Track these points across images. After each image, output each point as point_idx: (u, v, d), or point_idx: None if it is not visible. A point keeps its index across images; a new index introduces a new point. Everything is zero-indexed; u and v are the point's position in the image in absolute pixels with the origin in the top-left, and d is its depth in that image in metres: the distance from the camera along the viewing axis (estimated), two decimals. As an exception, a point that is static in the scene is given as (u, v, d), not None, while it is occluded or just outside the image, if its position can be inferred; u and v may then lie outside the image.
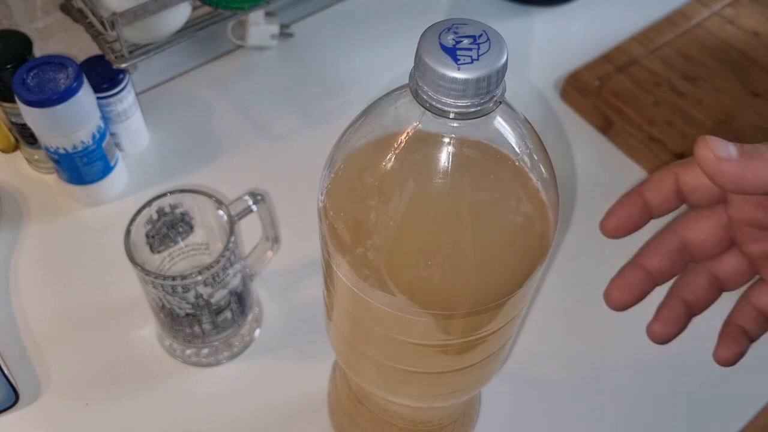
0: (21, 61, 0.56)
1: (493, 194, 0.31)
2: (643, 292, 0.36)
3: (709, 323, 0.56)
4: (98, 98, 0.58)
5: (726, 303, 0.38)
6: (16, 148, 0.65)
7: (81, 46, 0.68)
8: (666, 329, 0.37)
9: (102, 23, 0.56)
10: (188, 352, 0.53)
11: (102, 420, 0.51)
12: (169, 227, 0.51)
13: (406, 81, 0.29)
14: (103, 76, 0.59)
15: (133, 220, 0.47)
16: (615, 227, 0.35)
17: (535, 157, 0.32)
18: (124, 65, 0.59)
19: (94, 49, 0.61)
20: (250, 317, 0.54)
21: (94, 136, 0.57)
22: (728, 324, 0.37)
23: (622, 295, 0.36)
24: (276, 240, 0.55)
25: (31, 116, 0.54)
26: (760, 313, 0.36)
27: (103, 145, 0.58)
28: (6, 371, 0.51)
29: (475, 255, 0.30)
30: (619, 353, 0.55)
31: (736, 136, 0.64)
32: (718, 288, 0.37)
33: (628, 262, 0.37)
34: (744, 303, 0.37)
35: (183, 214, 0.51)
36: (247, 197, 0.51)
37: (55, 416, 0.51)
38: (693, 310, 0.37)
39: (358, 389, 0.46)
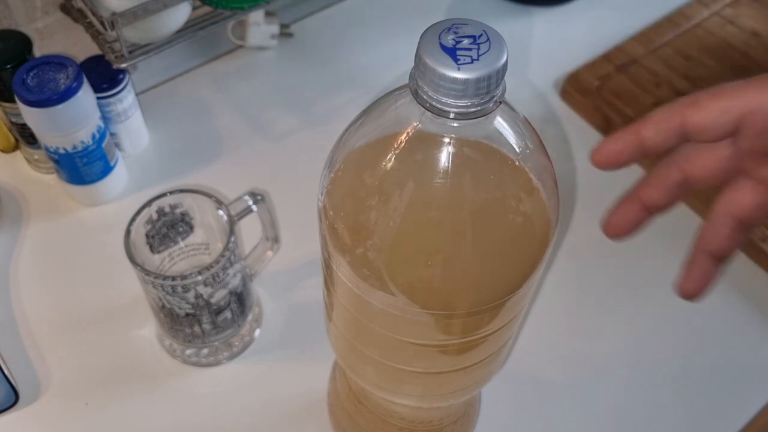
0: (21, 61, 0.56)
1: (493, 194, 0.31)
2: (640, 224, 0.37)
3: (709, 323, 0.57)
4: (98, 98, 0.58)
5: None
6: (16, 148, 0.65)
7: (81, 46, 0.67)
8: (695, 285, 0.36)
9: (102, 23, 0.56)
10: (188, 352, 0.53)
11: (102, 420, 0.51)
12: (169, 227, 0.51)
13: (406, 81, 0.29)
14: (103, 76, 0.59)
15: (133, 220, 0.47)
16: (605, 162, 0.35)
17: (535, 157, 0.32)
18: (124, 65, 0.59)
19: (94, 49, 0.61)
20: (250, 317, 0.54)
21: (94, 136, 0.57)
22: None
23: (619, 225, 0.37)
24: (276, 240, 0.55)
25: (31, 116, 0.54)
26: (737, 221, 0.34)
27: (103, 145, 0.58)
28: (6, 371, 0.51)
29: (475, 255, 0.30)
30: (619, 353, 0.55)
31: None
32: (740, 227, 0.35)
33: (627, 195, 0.37)
34: (718, 215, 0.35)
35: (183, 214, 0.51)
36: (247, 197, 0.51)
37: (55, 416, 0.51)
38: (718, 253, 0.35)
39: (358, 389, 0.46)
